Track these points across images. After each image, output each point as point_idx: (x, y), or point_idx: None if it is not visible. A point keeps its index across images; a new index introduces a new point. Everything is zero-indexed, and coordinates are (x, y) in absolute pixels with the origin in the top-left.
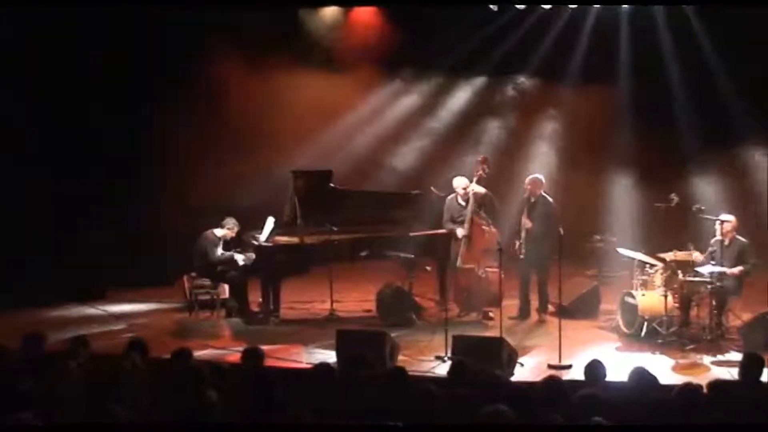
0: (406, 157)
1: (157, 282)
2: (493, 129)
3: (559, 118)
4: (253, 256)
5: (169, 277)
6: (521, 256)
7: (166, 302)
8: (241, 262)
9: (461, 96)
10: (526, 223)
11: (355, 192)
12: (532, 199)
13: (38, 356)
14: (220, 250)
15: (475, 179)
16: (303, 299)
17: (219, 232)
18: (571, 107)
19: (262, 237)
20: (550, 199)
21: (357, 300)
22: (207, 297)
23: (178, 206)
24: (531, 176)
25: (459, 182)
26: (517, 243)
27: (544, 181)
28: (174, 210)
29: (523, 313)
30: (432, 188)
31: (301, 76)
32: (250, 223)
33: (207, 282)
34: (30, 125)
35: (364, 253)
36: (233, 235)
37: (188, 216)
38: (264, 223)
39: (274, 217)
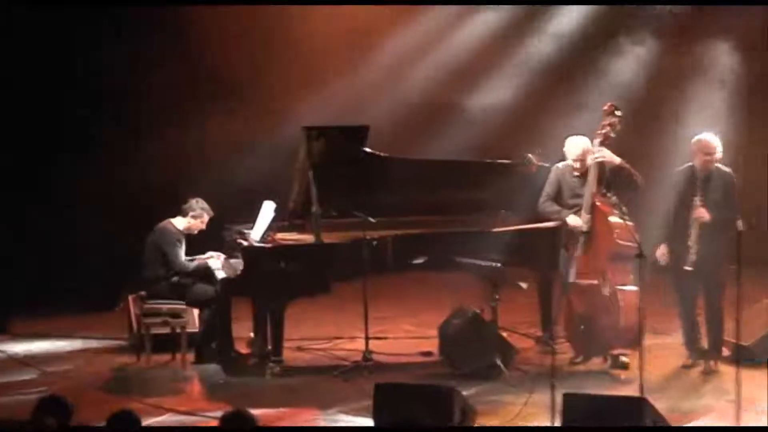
0: (482, 107)
1: (86, 307)
2: (627, 66)
3: (738, 51)
4: (240, 263)
5: (107, 299)
6: (687, 267)
7: (100, 338)
8: (220, 274)
9: (572, 16)
10: (699, 213)
11: (406, 161)
12: (704, 175)
13: None
14: (183, 253)
15: (598, 140)
16: (320, 334)
17: (180, 222)
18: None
19: (255, 233)
20: (730, 173)
21: (407, 335)
22: (165, 329)
23: (125, 188)
24: (700, 137)
25: (574, 145)
26: (663, 246)
27: (720, 146)
28: (120, 193)
29: (694, 353)
30: (529, 155)
31: None
32: (236, 212)
33: (165, 305)
34: None
35: (418, 260)
36: (203, 227)
37: (142, 204)
38: (257, 212)
39: (275, 201)
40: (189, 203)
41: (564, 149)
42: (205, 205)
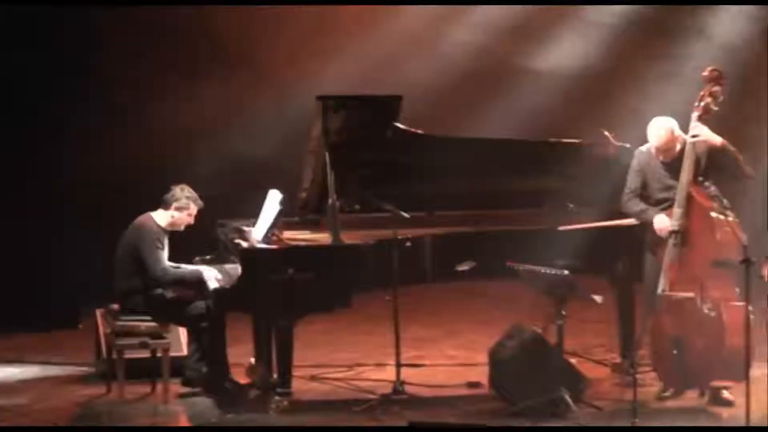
0: (545, 73)
1: (42, 325)
2: (734, 26)
3: None
4: (237, 269)
5: (67, 314)
6: None
7: (60, 363)
8: (212, 283)
9: None
10: None
11: (448, 141)
12: None
13: None
14: (165, 256)
15: (695, 114)
16: (338, 359)
17: (162, 216)
18: None
19: (258, 232)
20: None
21: (449, 361)
22: (143, 353)
23: (94, 167)
24: None
25: (658, 129)
26: None
27: None
28: (84, 172)
29: None
30: (606, 133)
31: None
32: (231, 205)
33: (142, 322)
34: None
35: (464, 267)
36: (190, 221)
37: (114, 188)
38: (260, 205)
39: (281, 192)
40: (172, 192)
41: (648, 132)
42: (193, 194)
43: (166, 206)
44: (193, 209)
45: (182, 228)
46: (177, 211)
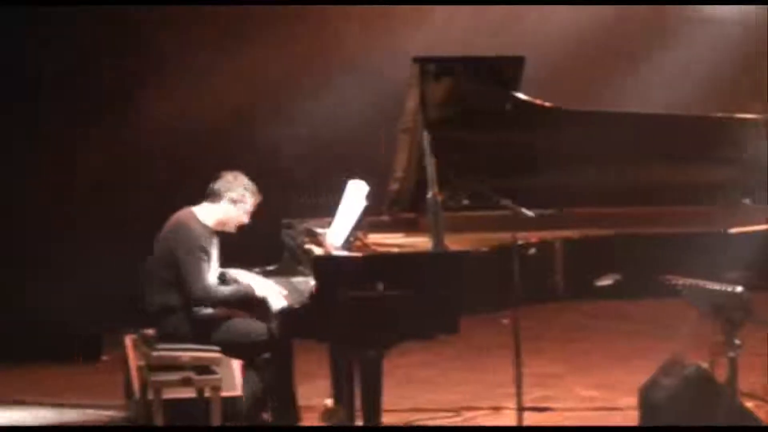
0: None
1: (55, 357)
2: None
3: None
4: (309, 283)
5: (86, 344)
6: None
7: (79, 406)
8: (275, 302)
9: None
10: None
11: (585, 116)
12: None
13: None
14: (213, 267)
15: None
16: (442, 401)
17: (208, 212)
18: None
19: (335, 235)
20: None
21: (585, 404)
22: (186, 391)
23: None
24: None
25: None
26: None
27: None
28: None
29: None
30: None
31: None
32: (300, 200)
33: (185, 353)
34: None
35: (605, 281)
36: (245, 220)
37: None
38: (338, 200)
39: (365, 182)
40: (222, 180)
41: None
42: (250, 184)
43: (214, 199)
44: (250, 204)
45: (234, 229)
46: (230, 205)
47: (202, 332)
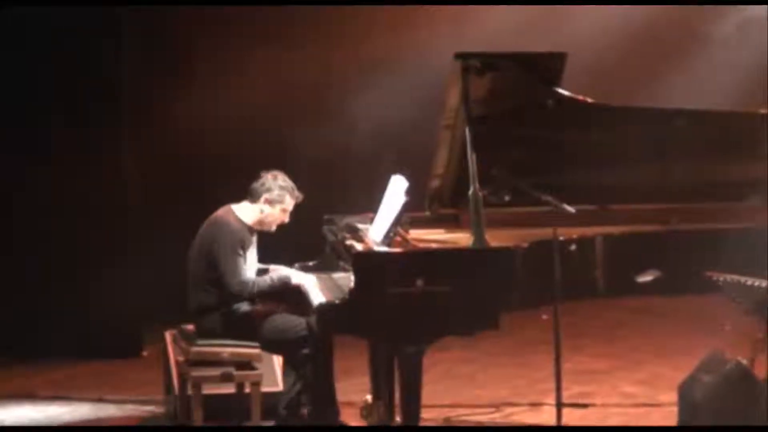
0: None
1: (93, 352)
2: None
3: None
4: (349, 279)
5: (126, 339)
6: None
7: (117, 401)
8: (315, 297)
9: None
10: None
11: (628, 112)
12: None
13: None
14: (252, 261)
15: None
16: (481, 397)
17: (247, 211)
18: None
19: (376, 231)
20: None
21: (626, 401)
22: (226, 386)
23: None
24: None
25: None
26: None
27: None
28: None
29: None
30: None
31: None
32: (340, 196)
33: (225, 348)
34: None
35: (646, 278)
36: (285, 219)
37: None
38: (379, 196)
39: (406, 178)
40: (262, 180)
41: None
42: (289, 183)
43: (254, 198)
44: (289, 203)
45: (273, 228)
46: (267, 204)
47: (242, 330)
